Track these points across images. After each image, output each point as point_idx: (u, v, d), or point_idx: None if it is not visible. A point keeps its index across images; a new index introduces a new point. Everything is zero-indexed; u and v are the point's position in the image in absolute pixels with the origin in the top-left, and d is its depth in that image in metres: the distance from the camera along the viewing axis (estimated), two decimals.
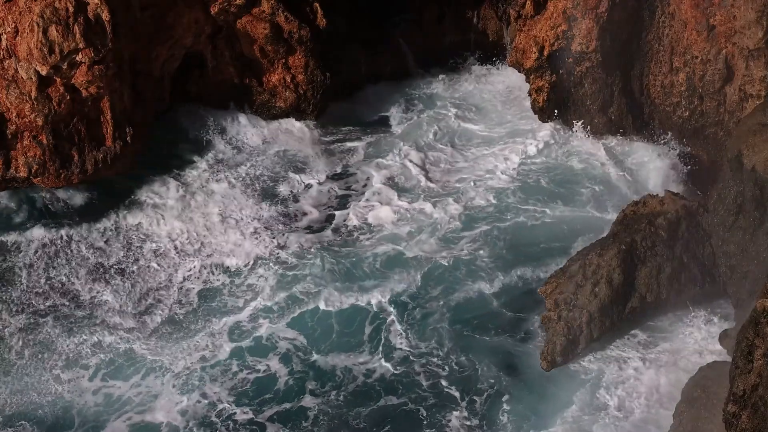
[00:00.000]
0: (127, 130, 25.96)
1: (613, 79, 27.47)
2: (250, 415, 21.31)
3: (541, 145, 28.14)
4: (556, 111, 28.15)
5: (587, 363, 21.69)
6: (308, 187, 27.49)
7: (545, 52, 27.31)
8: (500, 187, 26.88)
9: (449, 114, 30.03)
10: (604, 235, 23.35)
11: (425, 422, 21.04)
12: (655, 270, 22.39)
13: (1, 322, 23.13)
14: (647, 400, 20.88)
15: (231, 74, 28.70)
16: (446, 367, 22.12)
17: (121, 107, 25.88)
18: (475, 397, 21.43)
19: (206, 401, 21.57)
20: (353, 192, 27.47)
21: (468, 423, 20.90)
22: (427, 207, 26.46)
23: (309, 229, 26.16)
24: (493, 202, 26.46)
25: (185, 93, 28.65)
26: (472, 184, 27.15)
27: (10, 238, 25.13)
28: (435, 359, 22.35)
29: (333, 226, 26.23)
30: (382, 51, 31.14)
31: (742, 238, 21.72)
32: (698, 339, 21.91)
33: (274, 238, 25.57)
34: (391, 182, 27.56)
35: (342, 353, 22.66)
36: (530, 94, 28.40)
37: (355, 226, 26.12)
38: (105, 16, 24.76)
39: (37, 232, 25.25)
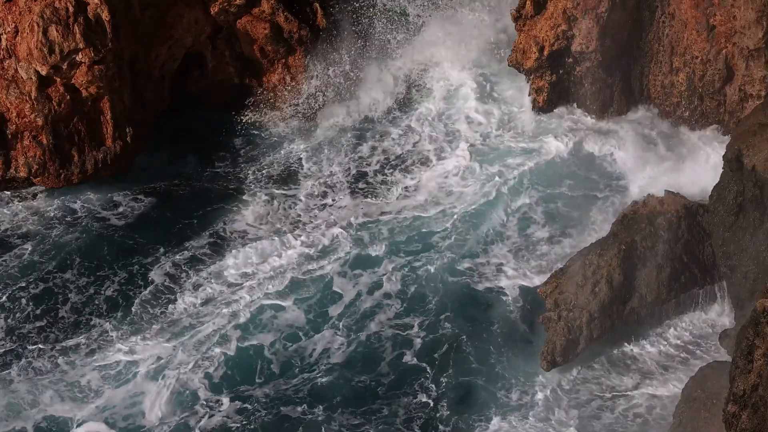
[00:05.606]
0: (127, 130, 25.98)
1: (613, 79, 27.47)
2: (234, 401, 21.30)
3: None
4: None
5: (586, 362, 21.69)
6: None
7: (545, 52, 27.33)
8: None
9: None
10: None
11: (401, 408, 21.15)
12: (655, 270, 22.37)
13: None
14: (646, 399, 20.92)
15: (231, 74, 28.71)
16: (438, 358, 22.17)
17: (121, 107, 25.90)
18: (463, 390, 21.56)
19: (191, 390, 21.43)
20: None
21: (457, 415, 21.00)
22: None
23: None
24: None
25: (185, 93, 28.67)
26: None
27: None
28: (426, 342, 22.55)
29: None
30: None
31: (742, 238, 21.71)
32: (698, 338, 21.93)
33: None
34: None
35: (334, 334, 22.74)
36: (530, 95, 28.41)
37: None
38: (105, 16, 24.79)
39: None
